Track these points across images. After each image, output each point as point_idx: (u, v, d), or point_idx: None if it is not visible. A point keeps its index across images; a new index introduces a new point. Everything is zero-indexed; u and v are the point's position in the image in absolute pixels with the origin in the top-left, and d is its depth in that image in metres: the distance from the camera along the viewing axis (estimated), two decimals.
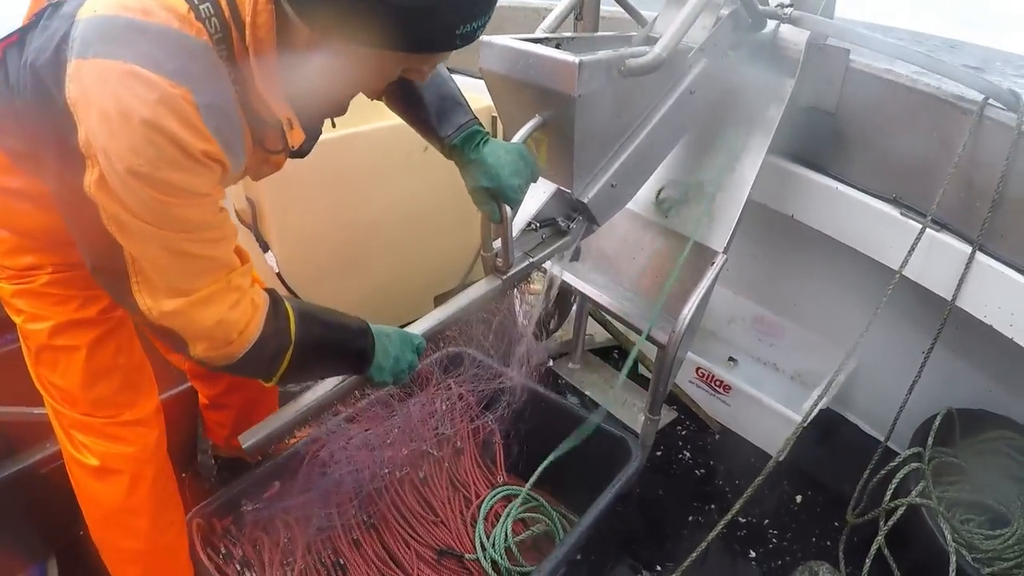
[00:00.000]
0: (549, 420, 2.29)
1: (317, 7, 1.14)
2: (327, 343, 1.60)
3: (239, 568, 1.87)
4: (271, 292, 1.49)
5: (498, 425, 2.38)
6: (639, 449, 2.18)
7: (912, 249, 2.18)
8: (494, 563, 2.10)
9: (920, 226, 2.19)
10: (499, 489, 2.33)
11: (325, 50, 1.22)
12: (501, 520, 2.21)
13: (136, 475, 1.72)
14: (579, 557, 2.07)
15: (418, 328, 1.76)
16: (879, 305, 2.18)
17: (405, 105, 1.84)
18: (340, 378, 1.72)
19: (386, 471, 2.20)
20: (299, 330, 1.48)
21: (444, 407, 2.35)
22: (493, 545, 2.14)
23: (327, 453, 2.05)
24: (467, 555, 2.13)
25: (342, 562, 2.04)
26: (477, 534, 2.17)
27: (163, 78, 1.12)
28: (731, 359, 3.18)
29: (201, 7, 1.18)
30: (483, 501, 2.28)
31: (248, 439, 1.69)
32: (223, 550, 1.89)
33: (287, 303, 1.49)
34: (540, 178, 1.85)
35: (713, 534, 2.11)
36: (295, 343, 1.47)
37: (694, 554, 2.13)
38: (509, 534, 2.17)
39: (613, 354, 3.28)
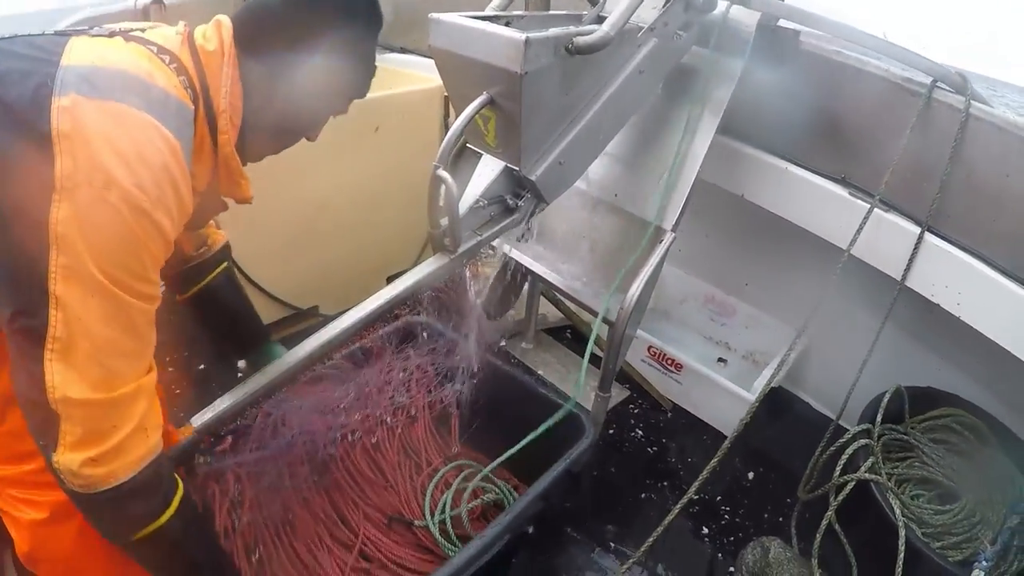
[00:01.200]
0: (505, 394, 2.34)
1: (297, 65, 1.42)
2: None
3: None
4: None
5: (455, 397, 2.38)
6: (591, 425, 2.22)
7: (860, 229, 2.20)
8: (442, 529, 2.13)
9: (868, 206, 2.21)
10: (455, 463, 2.36)
11: (292, 106, 1.49)
12: (451, 488, 2.25)
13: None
14: (530, 530, 2.08)
15: (369, 306, 1.76)
16: (829, 284, 2.19)
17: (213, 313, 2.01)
18: (293, 358, 1.71)
19: (338, 436, 2.21)
20: (182, 502, 1.43)
21: (400, 376, 2.38)
22: (441, 511, 2.18)
23: (280, 415, 2.06)
24: (416, 521, 2.16)
25: (291, 518, 2.06)
26: (426, 501, 2.20)
27: (170, 133, 1.25)
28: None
29: (180, 78, 1.34)
30: (436, 470, 2.31)
31: (198, 419, 1.69)
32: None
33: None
34: (488, 155, 1.86)
35: (671, 516, 2.11)
36: (180, 502, 1.41)
37: (656, 532, 2.11)
38: (450, 502, 2.21)
39: (566, 333, 3.29)
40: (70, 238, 1.14)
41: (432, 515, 2.17)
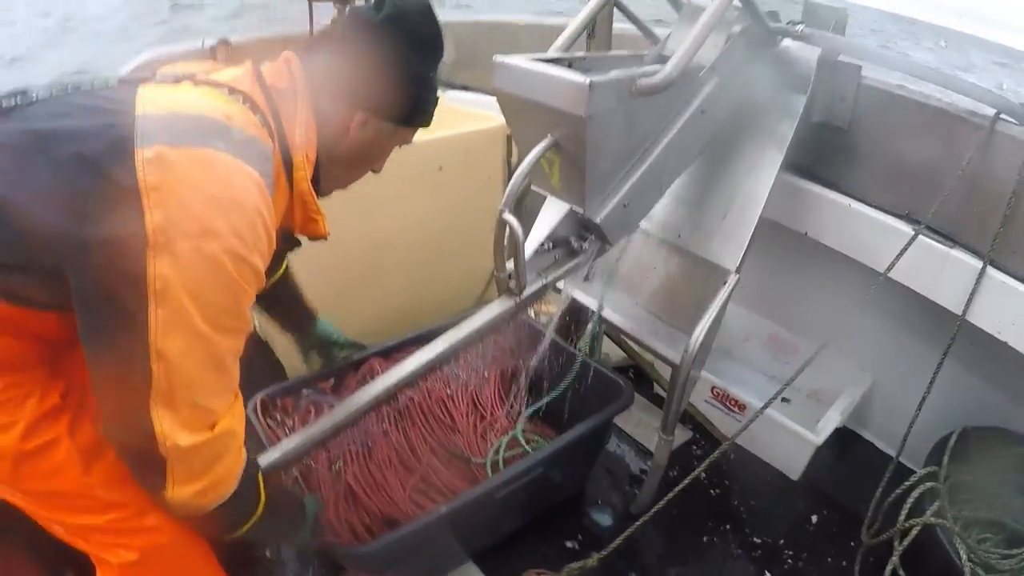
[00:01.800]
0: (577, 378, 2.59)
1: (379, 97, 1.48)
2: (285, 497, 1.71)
3: (288, 433, 2.01)
4: None
5: (526, 372, 2.61)
6: (630, 390, 2.44)
7: (900, 254, 2.17)
8: (494, 467, 2.48)
9: (931, 241, 2.18)
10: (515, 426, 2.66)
11: (363, 140, 1.54)
12: (507, 436, 2.59)
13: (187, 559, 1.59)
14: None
15: (433, 350, 1.77)
16: (864, 302, 2.17)
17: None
18: (359, 401, 1.74)
19: (420, 383, 2.50)
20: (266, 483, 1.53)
21: (480, 348, 2.58)
22: (495, 452, 2.52)
23: (371, 362, 2.50)
24: (473, 458, 2.50)
25: (370, 444, 2.36)
26: (488, 446, 2.55)
27: (256, 172, 1.27)
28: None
29: (256, 116, 1.35)
30: (497, 420, 2.65)
31: (264, 459, 1.71)
32: (279, 418, 2.26)
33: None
34: (553, 198, 1.86)
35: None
36: (267, 495, 1.51)
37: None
38: (504, 447, 2.55)
39: (628, 373, 3.26)
40: (171, 292, 1.16)
41: (486, 456, 2.51)
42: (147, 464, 1.26)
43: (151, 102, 1.27)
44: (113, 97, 1.30)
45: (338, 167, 1.58)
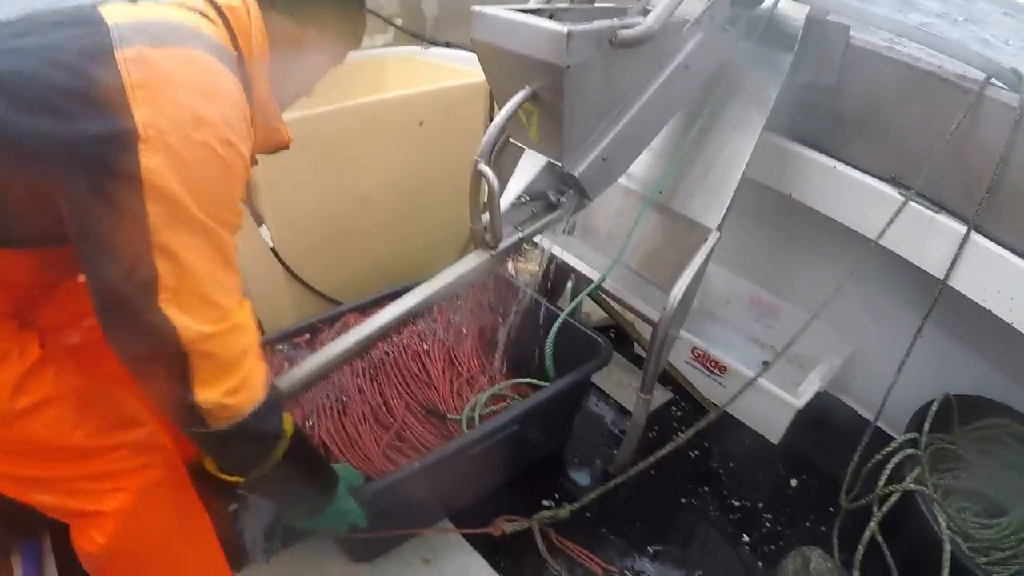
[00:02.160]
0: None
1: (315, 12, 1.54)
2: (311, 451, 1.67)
3: None
4: None
5: (505, 329, 2.56)
6: (608, 347, 2.41)
7: (891, 221, 2.16)
8: (470, 423, 2.44)
9: (918, 206, 2.16)
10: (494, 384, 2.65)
11: (308, 50, 1.58)
12: (485, 393, 2.56)
13: (177, 498, 1.63)
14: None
15: (406, 303, 1.75)
16: (851, 270, 2.18)
17: None
18: (331, 353, 1.74)
19: (394, 338, 2.50)
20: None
21: (459, 303, 2.60)
22: (472, 409, 2.48)
23: (347, 319, 2.49)
24: (449, 415, 2.46)
25: (344, 399, 2.34)
26: (464, 403, 2.51)
27: (235, 78, 1.32)
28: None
29: (217, 27, 1.40)
30: (474, 378, 2.62)
31: None
32: None
33: None
34: (530, 151, 1.84)
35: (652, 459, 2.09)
36: (293, 428, 1.50)
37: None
38: (480, 404, 2.52)
39: (610, 332, 3.25)
40: (167, 185, 1.16)
41: (462, 412, 2.47)
42: (168, 369, 1.24)
43: (119, 14, 1.28)
44: (74, 14, 1.30)
45: (285, 84, 1.61)
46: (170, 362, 1.23)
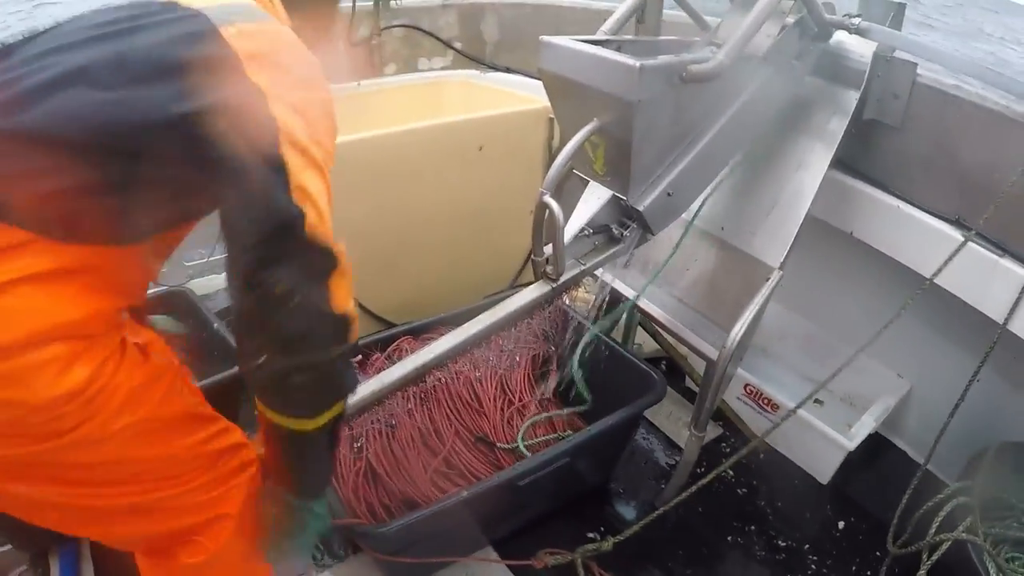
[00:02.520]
0: (608, 367, 2.57)
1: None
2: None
3: None
4: None
5: (556, 357, 2.63)
6: (663, 382, 2.42)
7: (949, 260, 2.12)
8: (518, 454, 2.40)
9: (981, 249, 2.11)
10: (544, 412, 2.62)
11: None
12: (531, 418, 2.53)
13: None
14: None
15: (464, 333, 1.75)
16: (904, 305, 2.12)
17: None
18: (387, 379, 1.74)
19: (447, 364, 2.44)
20: None
21: (513, 331, 2.53)
22: (522, 439, 2.44)
23: (400, 342, 2.54)
24: (498, 443, 2.43)
25: (393, 423, 2.34)
26: (514, 431, 2.48)
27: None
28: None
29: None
30: (525, 407, 2.57)
31: None
32: None
33: None
34: (595, 184, 1.84)
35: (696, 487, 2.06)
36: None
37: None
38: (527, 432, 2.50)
39: (661, 365, 3.22)
40: (297, 136, 1.27)
41: (512, 441, 2.45)
42: (324, 287, 1.34)
43: (197, 2, 1.34)
44: (150, 5, 1.35)
45: None
46: (325, 279, 1.34)
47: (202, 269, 3.53)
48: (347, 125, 2.77)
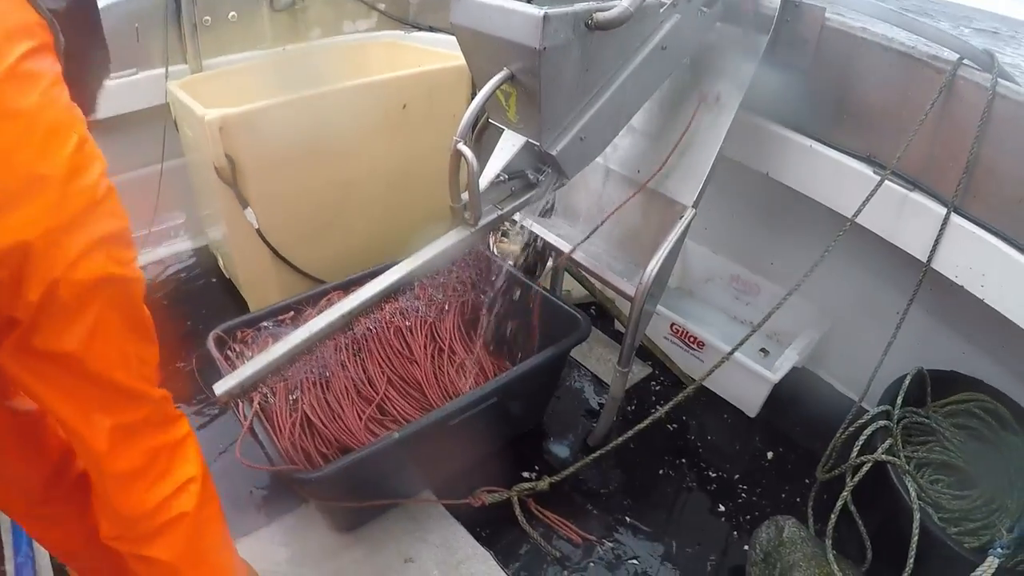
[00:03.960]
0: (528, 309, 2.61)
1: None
2: None
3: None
4: None
5: (486, 305, 2.62)
6: (587, 323, 2.46)
7: (867, 200, 2.18)
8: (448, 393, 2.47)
9: (894, 185, 2.19)
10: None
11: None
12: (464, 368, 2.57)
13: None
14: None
15: (388, 279, 1.79)
16: (828, 247, 2.18)
17: None
18: (315, 327, 1.77)
19: (378, 314, 2.53)
20: None
21: (440, 279, 2.64)
22: (451, 383, 2.50)
23: (332, 295, 2.56)
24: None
25: (328, 375, 2.38)
26: (446, 378, 2.52)
27: None
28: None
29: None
30: (455, 352, 2.61)
31: (221, 387, 1.73)
32: (237, 350, 2.33)
33: None
34: (509, 131, 1.87)
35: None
36: None
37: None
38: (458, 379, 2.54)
39: (591, 309, 3.31)
40: None
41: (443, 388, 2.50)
42: None
43: None
44: None
45: None
46: None
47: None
48: (274, 90, 2.79)
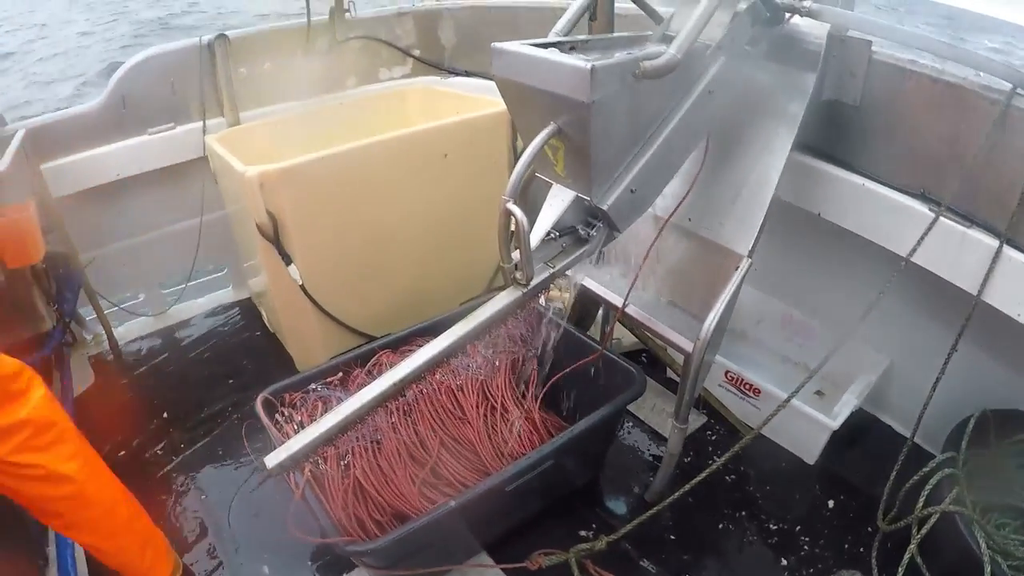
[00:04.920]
0: (583, 363, 2.55)
1: None
2: None
3: (296, 429, 2.10)
4: None
5: (535, 358, 2.64)
6: (642, 378, 2.43)
7: (922, 239, 2.14)
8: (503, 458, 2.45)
9: (948, 221, 2.13)
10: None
11: None
12: (516, 424, 2.54)
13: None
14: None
15: (440, 345, 1.77)
16: (884, 289, 2.13)
17: None
18: (368, 395, 1.74)
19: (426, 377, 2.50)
20: None
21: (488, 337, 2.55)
22: (505, 443, 2.49)
23: (381, 356, 2.55)
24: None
25: (379, 438, 2.37)
26: (499, 436, 2.51)
27: None
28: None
29: None
30: (507, 411, 2.59)
31: (272, 460, 1.69)
32: (287, 413, 2.30)
33: None
34: (558, 186, 1.83)
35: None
36: None
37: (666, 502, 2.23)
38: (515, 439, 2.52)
39: (642, 357, 3.25)
40: None
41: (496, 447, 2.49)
42: None
43: None
44: None
45: None
46: None
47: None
48: (313, 141, 2.79)
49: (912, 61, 2.21)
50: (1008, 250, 2.04)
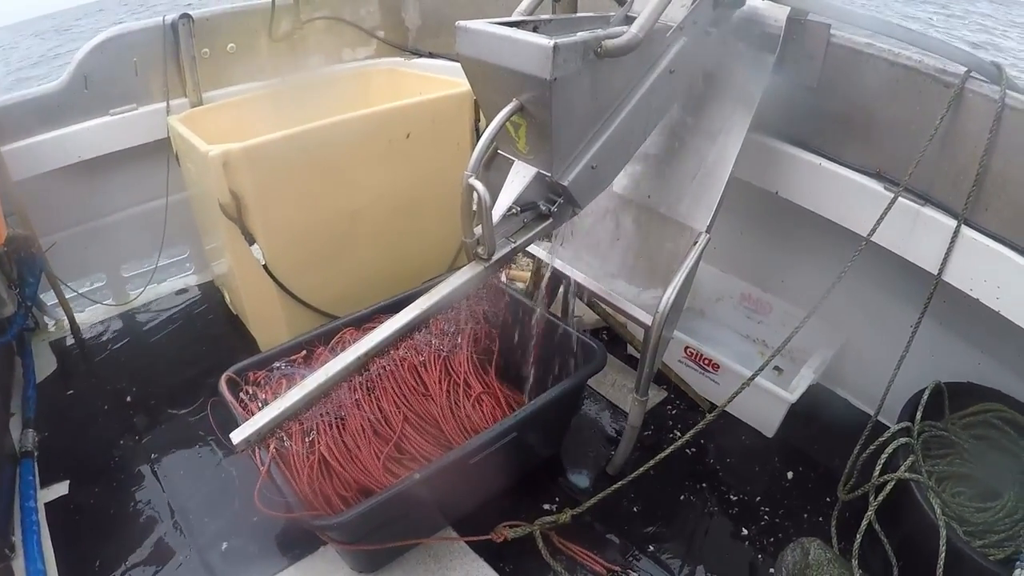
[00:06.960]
0: (543, 340, 2.59)
1: None
2: None
3: (260, 407, 2.00)
4: None
5: (498, 336, 2.69)
6: (603, 352, 2.44)
7: (881, 218, 2.16)
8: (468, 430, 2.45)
9: (905, 200, 2.17)
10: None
11: None
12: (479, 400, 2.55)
13: None
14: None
15: (403, 319, 1.77)
16: (845, 268, 2.17)
17: None
18: (331, 370, 1.75)
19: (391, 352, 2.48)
20: None
21: (451, 313, 2.56)
22: (467, 417, 2.48)
23: (343, 334, 2.55)
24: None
25: (343, 415, 2.36)
26: (462, 412, 2.50)
27: None
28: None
29: None
30: (470, 387, 2.59)
31: (238, 435, 1.70)
32: (251, 392, 2.29)
33: None
34: (520, 162, 1.85)
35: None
36: None
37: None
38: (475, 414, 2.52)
39: (603, 335, 3.28)
40: None
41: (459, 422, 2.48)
42: None
43: None
44: None
45: None
46: None
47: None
48: (276, 121, 2.78)
49: (869, 44, 2.25)
50: (965, 229, 2.09)
